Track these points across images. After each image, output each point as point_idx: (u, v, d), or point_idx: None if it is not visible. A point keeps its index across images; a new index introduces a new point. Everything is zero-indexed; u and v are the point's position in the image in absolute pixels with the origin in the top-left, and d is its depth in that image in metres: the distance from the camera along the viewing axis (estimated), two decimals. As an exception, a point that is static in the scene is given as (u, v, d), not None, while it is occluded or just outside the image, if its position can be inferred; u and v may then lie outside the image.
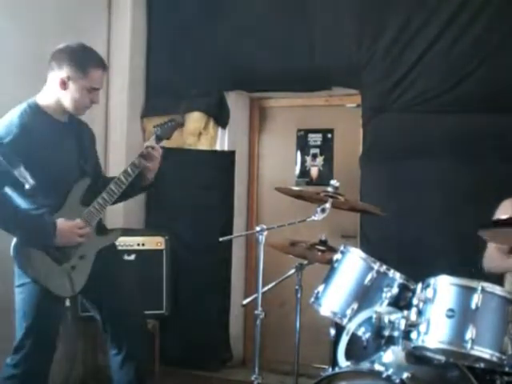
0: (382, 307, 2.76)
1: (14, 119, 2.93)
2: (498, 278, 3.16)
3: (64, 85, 2.99)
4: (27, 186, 2.67)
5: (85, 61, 3.01)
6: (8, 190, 2.93)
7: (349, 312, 2.86)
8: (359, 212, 3.95)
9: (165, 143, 3.38)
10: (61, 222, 2.93)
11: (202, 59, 4.89)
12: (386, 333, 2.67)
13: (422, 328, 2.58)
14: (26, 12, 4.14)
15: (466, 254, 3.60)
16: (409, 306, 2.70)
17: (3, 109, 3.03)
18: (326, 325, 3.28)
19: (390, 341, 2.69)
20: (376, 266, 2.90)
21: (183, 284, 4.66)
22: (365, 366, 2.68)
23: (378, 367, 2.60)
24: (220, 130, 5.01)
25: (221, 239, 3.54)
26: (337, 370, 2.76)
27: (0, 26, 4.00)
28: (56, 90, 3.01)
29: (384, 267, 2.90)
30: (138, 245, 4.43)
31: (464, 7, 4.07)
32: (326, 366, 3.24)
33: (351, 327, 2.80)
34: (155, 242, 4.50)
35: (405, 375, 2.51)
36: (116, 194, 3.10)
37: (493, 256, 3.29)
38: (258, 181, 5.24)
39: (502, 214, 3.23)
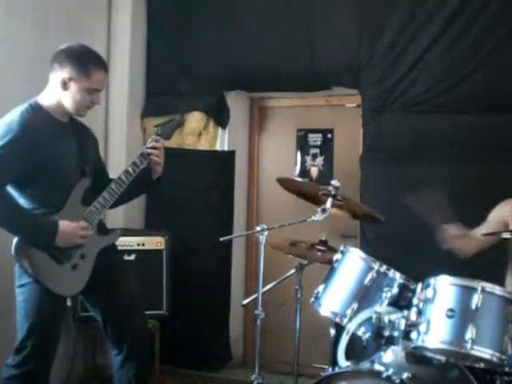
0: (381, 307, 2.76)
1: (15, 118, 2.93)
2: (498, 278, 3.15)
3: (65, 85, 2.99)
4: None
5: (86, 62, 3.01)
6: (10, 189, 2.94)
7: (349, 312, 2.87)
8: (359, 218, 3.94)
9: (165, 143, 3.39)
10: (63, 223, 2.93)
11: (202, 59, 4.89)
12: (386, 333, 2.67)
13: (422, 328, 2.59)
14: (27, 12, 4.14)
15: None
16: (409, 306, 2.70)
17: (5, 109, 3.03)
18: (326, 325, 3.28)
19: (390, 341, 2.69)
20: (376, 266, 2.90)
21: (183, 284, 4.66)
22: (365, 365, 2.69)
23: (377, 367, 2.60)
24: (220, 129, 5.01)
25: (221, 239, 3.54)
26: (337, 369, 2.77)
27: (1, 27, 4.00)
28: (57, 91, 3.01)
29: (384, 267, 2.90)
30: (138, 245, 4.43)
31: (463, 8, 4.07)
32: (326, 366, 3.24)
33: (351, 327, 2.80)
34: (155, 242, 4.49)
35: (405, 375, 2.52)
36: (117, 193, 3.10)
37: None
38: (258, 181, 5.24)
39: (500, 211, 3.25)
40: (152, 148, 3.19)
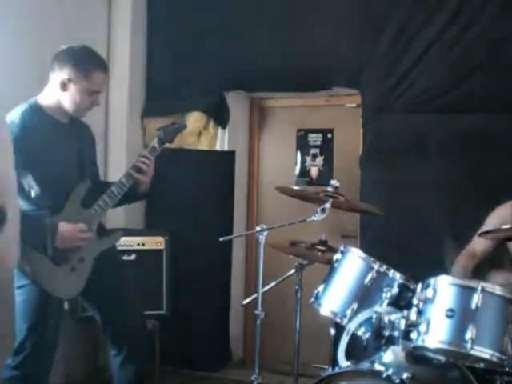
0: (382, 307, 2.76)
1: (15, 119, 2.92)
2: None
3: (64, 86, 2.98)
4: (33, 194, 2.70)
5: (86, 63, 3.00)
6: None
7: (349, 312, 2.86)
8: (359, 212, 3.95)
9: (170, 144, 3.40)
10: (63, 225, 2.92)
11: (202, 59, 4.89)
12: (386, 333, 2.67)
13: (422, 328, 2.58)
14: (27, 12, 4.14)
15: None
16: (409, 306, 2.70)
17: (5, 109, 3.02)
18: (326, 325, 3.28)
19: (390, 341, 2.69)
20: (376, 266, 2.90)
21: (183, 284, 4.66)
22: (365, 365, 2.69)
23: (378, 367, 2.60)
24: (220, 129, 5.01)
25: (221, 239, 3.54)
26: (337, 369, 2.77)
27: (0, 27, 4.00)
28: (56, 91, 3.00)
29: (384, 267, 2.90)
30: (138, 245, 4.43)
31: (464, 7, 4.07)
32: (326, 366, 3.24)
33: (351, 327, 2.80)
34: (155, 242, 4.49)
35: (405, 375, 2.51)
36: (117, 196, 3.10)
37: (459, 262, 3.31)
38: (258, 181, 5.24)
39: (498, 215, 3.25)
40: (143, 163, 3.18)
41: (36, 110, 2.99)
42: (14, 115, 2.94)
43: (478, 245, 3.33)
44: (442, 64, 4.14)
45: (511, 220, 3.10)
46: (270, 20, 4.69)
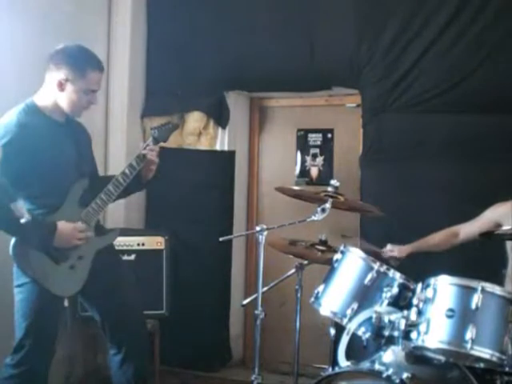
0: (381, 307, 2.77)
1: (12, 119, 2.93)
2: (497, 278, 3.16)
3: (61, 86, 2.99)
4: (22, 221, 2.71)
5: (82, 63, 3.01)
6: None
7: (349, 312, 2.87)
8: (359, 212, 3.95)
9: (165, 143, 3.40)
10: (61, 224, 2.93)
11: (202, 59, 4.89)
12: (386, 333, 2.67)
13: (422, 328, 2.59)
14: (27, 12, 4.14)
15: (465, 254, 3.60)
16: (409, 306, 2.71)
17: (4, 109, 3.03)
18: (326, 325, 3.28)
19: (390, 341, 2.69)
20: (376, 266, 2.90)
21: (183, 284, 4.66)
22: (365, 365, 2.69)
23: (378, 367, 2.60)
24: (220, 129, 5.01)
25: (221, 239, 3.54)
26: (337, 369, 2.77)
27: (1, 27, 4.00)
28: (53, 91, 3.00)
29: (384, 267, 2.90)
30: (138, 245, 4.43)
31: (464, 7, 4.07)
32: (326, 366, 3.24)
33: (351, 327, 2.80)
34: (155, 242, 4.49)
35: (405, 375, 2.52)
36: (114, 194, 3.11)
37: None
38: (257, 181, 5.23)
39: (493, 212, 3.27)
40: (146, 154, 3.19)
41: (33, 110, 3.00)
42: (12, 115, 2.95)
43: (463, 229, 3.38)
44: (442, 64, 4.14)
45: (510, 219, 3.11)
46: (270, 20, 4.69)
